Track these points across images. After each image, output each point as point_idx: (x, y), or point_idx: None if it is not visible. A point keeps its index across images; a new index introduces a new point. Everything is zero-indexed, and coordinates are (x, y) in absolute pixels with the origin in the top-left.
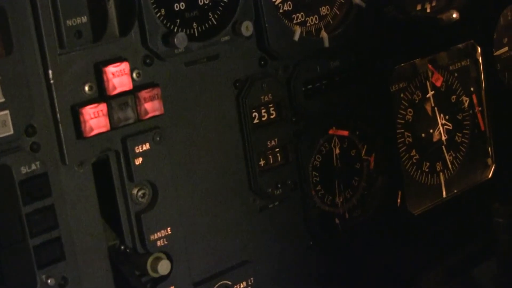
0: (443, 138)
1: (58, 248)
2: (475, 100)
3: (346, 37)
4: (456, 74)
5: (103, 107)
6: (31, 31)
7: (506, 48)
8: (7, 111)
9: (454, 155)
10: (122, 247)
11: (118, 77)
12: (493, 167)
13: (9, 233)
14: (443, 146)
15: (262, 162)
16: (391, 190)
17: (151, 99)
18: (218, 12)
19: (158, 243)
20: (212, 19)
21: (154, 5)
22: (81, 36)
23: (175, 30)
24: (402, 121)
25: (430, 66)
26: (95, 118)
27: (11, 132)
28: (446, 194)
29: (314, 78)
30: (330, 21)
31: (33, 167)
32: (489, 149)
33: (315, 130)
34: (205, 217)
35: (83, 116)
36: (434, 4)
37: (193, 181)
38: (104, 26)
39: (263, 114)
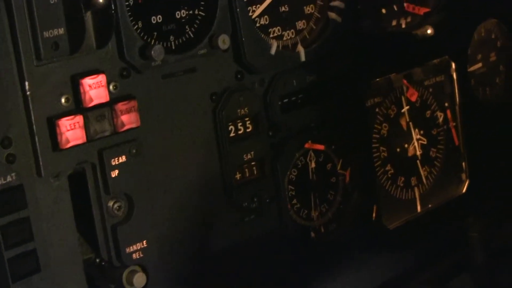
0: (418, 153)
1: (33, 260)
2: (449, 116)
3: (323, 51)
4: (431, 90)
5: (79, 119)
6: (7, 42)
7: (480, 64)
8: None
9: (428, 170)
10: (98, 260)
11: (95, 89)
12: (467, 182)
13: None
14: (418, 161)
15: (238, 176)
16: (367, 205)
17: (128, 111)
18: (195, 25)
19: (134, 256)
20: (189, 32)
21: (131, 18)
22: (58, 48)
23: (152, 42)
24: (378, 136)
25: (405, 81)
26: (71, 130)
27: None
28: (421, 208)
29: (290, 92)
30: (307, 35)
31: (9, 178)
32: (463, 164)
33: (291, 144)
34: (181, 230)
35: (59, 128)
36: (409, 20)
37: (169, 193)
38: (81, 38)
39: (239, 127)
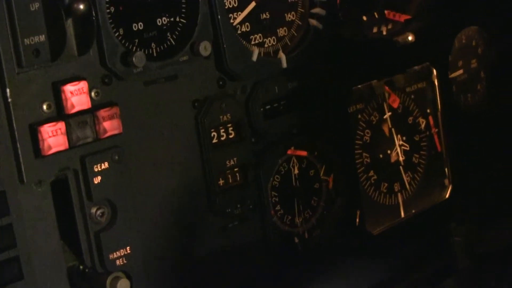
0: (401, 159)
1: (16, 267)
2: (431, 122)
3: (304, 58)
4: (412, 96)
5: (61, 125)
6: None
7: (461, 71)
8: None
9: (411, 175)
10: (81, 267)
11: (77, 96)
12: (450, 188)
13: None
14: (400, 167)
15: (221, 182)
16: (350, 210)
17: (110, 118)
18: (176, 32)
19: (117, 262)
20: (171, 39)
21: (113, 25)
22: (39, 55)
23: (134, 49)
24: (360, 142)
25: (387, 88)
26: (53, 137)
27: None
28: (404, 214)
29: (272, 98)
30: (288, 42)
31: None
32: (446, 169)
33: (274, 150)
34: (164, 236)
35: (41, 135)
36: (390, 27)
37: (152, 200)
38: (62, 45)
39: (222, 134)
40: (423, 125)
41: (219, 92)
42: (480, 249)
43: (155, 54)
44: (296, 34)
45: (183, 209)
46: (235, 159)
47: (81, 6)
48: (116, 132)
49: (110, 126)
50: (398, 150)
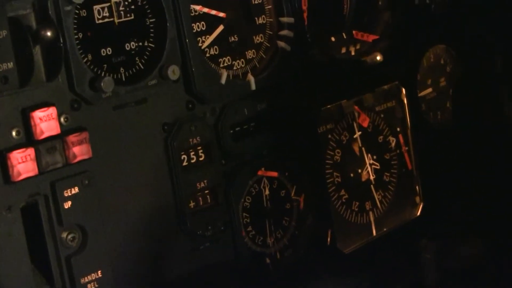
0: (372, 177)
1: None
2: (401, 140)
3: (273, 79)
4: (382, 115)
5: (30, 151)
6: None
7: (430, 89)
8: None
9: (382, 194)
10: None
11: (46, 121)
12: (421, 205)
13: None
14: (371, 186)
15: (192, 204)
16: (322, 230)
17: (79, 143)
18: (145, 56)
19: (89, 286)
20: (139, 63)
21: (81, 51)
22: (7, 82)
23: (102, 74)
24: (331, 162)
25: (356, 107)
26: (23, 163)
27: None
28: (376, 232)
29: (241, 120)
30: (257, 64)
31: None
32: (417, 187)
33: (244, 171)
34: (136, 259)
35: (10, 161)
36: (358, 47)
37: (123, 223)
38: (31, 72)
39: (192, 156)
40: (393, 144)
41: (188, 115)
42: (450, 266)
43: (123, 79)
44: (264, 56)
45: (154, 232)
46: (205, 181)
47: (49, 33)
48: (85, 156)
49: (80, 151)
50: (369, 169)
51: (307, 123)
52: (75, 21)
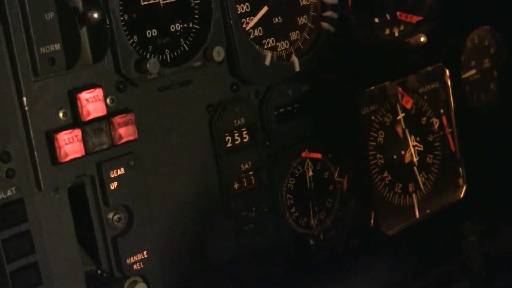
0: (415, 159)
1: (35, 273)
2: (445, 122)
3: (317, 61)
4: (425, 97)
5: (77, 132)
6: (5, 59)
7: (473, 71)
8: None
9: (426, 176)
10: (99, 272)
11: (92, 103)
12: (464, 187)
13: None
14: (414, 167)
15: (236, 185)
16: (365, 211)
17: (125, 124)
18: (189, 38)
19: (135, 266)
20: (184, 45)
21: (127, 32)
22: (54, 63)
23: (148, 56)
24: (374, 143)
25: (399, 89)
26: (69, 144)
27: None
28: (419, 214)
29: (285, 102)
30: (301, 46)
31: (9, 193)
32: (460, 169)
33: (288, 153)
34: (180, 240)
35: (57, 142)
36: (402, 28)
37: (168, 204)
38: (77, 53)
39: (236, 138)
40: (436, 126)
41: (232, 96)
42: (494, 249)
43: (169, 60)
44: (308, 38)
45: (199, 213)
46: (249, 162)
47: (95, 15)
48: (131, 138)
49: (126, 132)
50: (412, 150)
51: (351, 104)
52: (121, 2)
